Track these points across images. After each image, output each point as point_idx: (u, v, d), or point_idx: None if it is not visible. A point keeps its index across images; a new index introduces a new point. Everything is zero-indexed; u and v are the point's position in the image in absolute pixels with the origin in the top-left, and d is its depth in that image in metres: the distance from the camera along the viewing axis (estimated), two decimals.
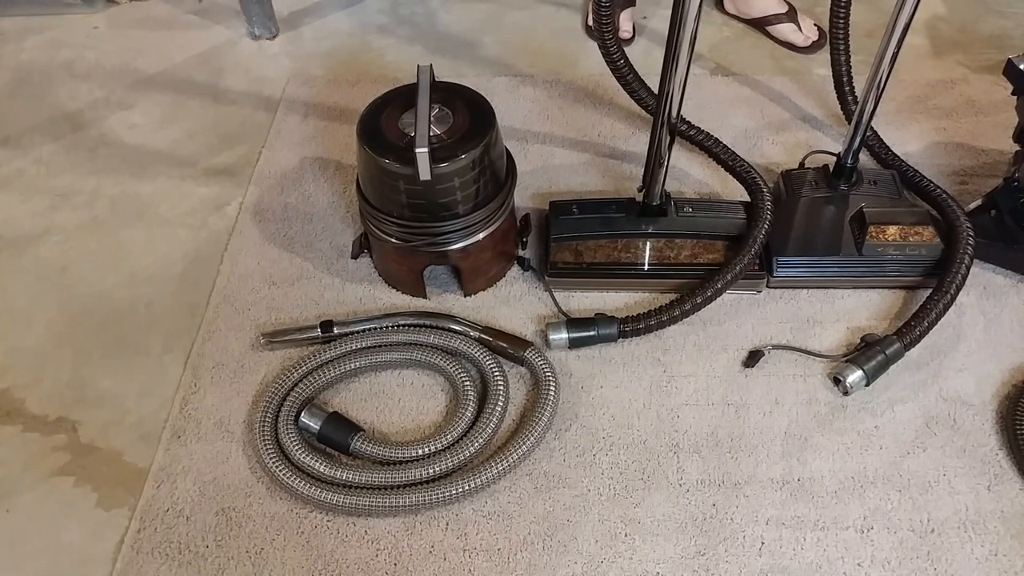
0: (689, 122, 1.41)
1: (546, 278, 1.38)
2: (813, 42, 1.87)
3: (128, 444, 1.22)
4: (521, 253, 1.43)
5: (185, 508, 1.15)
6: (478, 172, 1.23)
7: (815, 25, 1.90)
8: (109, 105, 1.79)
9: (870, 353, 1.24)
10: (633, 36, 1.92)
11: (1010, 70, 1.28)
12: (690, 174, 1.58)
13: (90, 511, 1.16)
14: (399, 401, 1.26)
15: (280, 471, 1.13)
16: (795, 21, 1.88)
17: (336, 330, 1.30)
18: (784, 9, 1.89)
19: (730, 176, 1.42)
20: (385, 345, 1.28)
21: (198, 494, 1.16)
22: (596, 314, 1.32)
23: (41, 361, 1.33)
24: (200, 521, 1.13)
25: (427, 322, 1.31)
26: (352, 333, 1.29)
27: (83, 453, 1.22)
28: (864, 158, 1.50)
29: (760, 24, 1.92)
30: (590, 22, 1.93)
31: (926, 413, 1.23)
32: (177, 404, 1.26)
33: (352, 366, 1.26)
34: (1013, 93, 1.31)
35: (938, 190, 1.42)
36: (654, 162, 1.30)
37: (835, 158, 1.42)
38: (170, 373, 1.30)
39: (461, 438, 1.18)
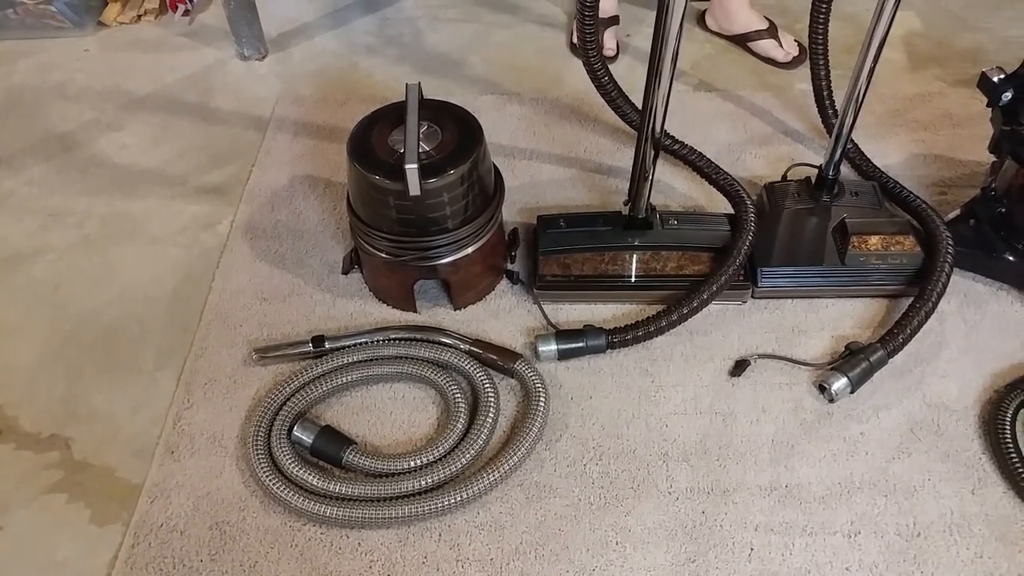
0: (673, 137, 1.43)
1: (535, 291, 1.40)
2: (794, 58, 1.90)
3: (121, 460, 1.23)
4: (510, 267, 1.45)
5: (179, 523, 1.15)
6: (467, 187, 1.24)
7: (795, 41, 1.93)
8: (100, 126, 1.80)
9: (854, 361, 1.26)
10: (617, 53, 1.95)
11: (984, 83, 1.31)
12: (675, 188, 1.60)
13: (84, 527, 1.16)
14: (391, 414, 1.27)
15: (274, 485, 1.14)
16: (776, 37, 1.91)
17: (327, 345, 1.31)
18: (765, 26, 1.93)
19: (714, 189, 1.45)
20: (376, 359, 1.29)
21: (192, 509, 1.16)
22: (585, 326, 1.33)
23: (34, 379, 1.34)
24: (194, 536, 1.14)
25: (418, 336, 1.32)
26: (343, 347, 1.30)
27: (76, 470, 1.22)
28: (845, 170, 1.53)
29: (741, 40, 1.95)
30: (575, 40, 1.96)
31: (910, 419, 1.25)
32: (170, 420, 1.26)
33: (344, 380, 1.27)
34: (988, 105, 1.34)
35: (918, 200, 1.45)
36: (639, 176, 1.32)
37: (817, 170, 1.45)
38: (163, 389, 1.31)
39: (452, 450, 1.19)
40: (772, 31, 1.92)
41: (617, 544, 1.13)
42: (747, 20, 1.93)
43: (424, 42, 2.04)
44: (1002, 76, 1.30)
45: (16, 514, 1.18)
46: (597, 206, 1.58)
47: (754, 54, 1.94)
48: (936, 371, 1.30)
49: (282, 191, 1.62)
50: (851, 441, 1.23)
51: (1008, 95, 1.30)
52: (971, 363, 1.31)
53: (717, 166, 1.43)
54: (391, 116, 1.29)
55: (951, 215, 1.45)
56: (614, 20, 1.97)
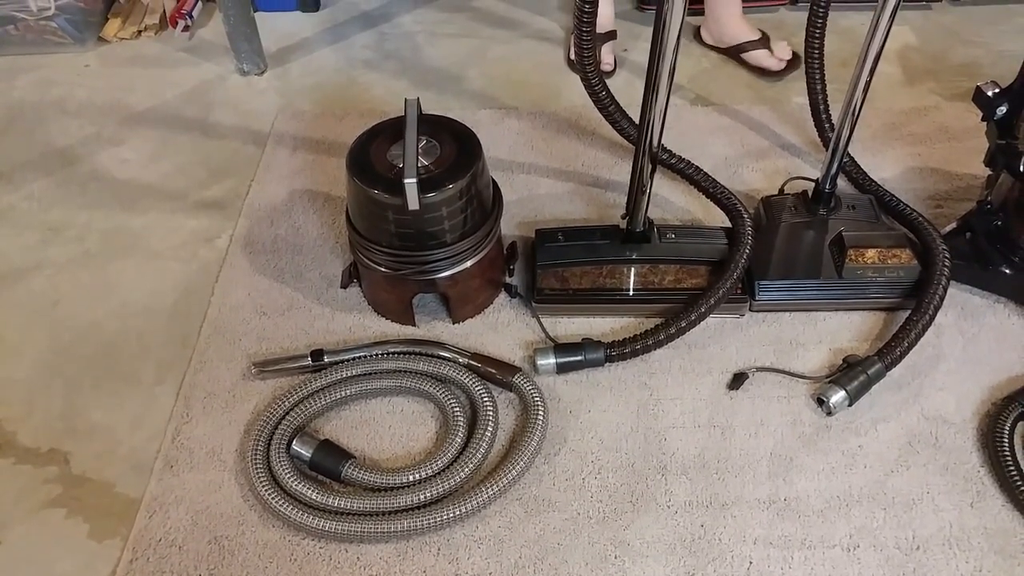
0: (670, 151, 1.44)
1: (533, 304, 1.40)
2: (787, 63, 1.92)
3: (120, 475, 1.23)
4: (508, 280, 1.45)
5: (178, 538, 1.15)
6: (465, 202, 1.25)
7: (789, 47, 1.94)
8: (100, 141, 1.81)
9: (852, 374, 1.26)
10: (614, 68, 1.96)
11: (979, 97, 1.32)
12: (672, 201, 1.61)
13: (82, 542, 1.16)
14: (390, 428, 1.27)
15: (272, 499, 1.14)
16: (767, 47, 1.93)
17: (327, 359, 1.31)
18: (757, 36, 1.94)
19: (712, 203, 1.45)
20: (375, 373, 1.29)
21: (191, 523, 1.16)
22: (583, 339, 1.33)
23: (33, 393, 1.34)
24: (193, 550, 1.14)
25: (416, 349, 1.32)
26: (342, 361, 1.31)
27: (75, 484, 1.22)
28: (842, 184, 1.54)
29: (735, 52, 1.96)
30: (572, 56, 1.97)
31: (908, 432, 1.25)
32: (169, 434, 1.26)
33: (343, 394, 1.27)
34: (983, 119, 1.35)
35: (914, 214, 1.46)
36: (637, 190, 1.33)
37: (814, 184, 1.46)
38: (162, 403, 1.31)
39: (451, 464, 1.19)
40: (764, 41, 1.93)
41: (616, 558, 1.13)
42: (739, 31, 1.94)
43: (422, 57, 2.05)
44: (996, 90, 1.30)
45: (14, 529, 1.18)
46: (595, 220, 1.58)
47: (747, 65, 1.95)
48: (934, 384, 1.30)
49: (281, 205, 1.63)
50: (849, 454, 1.23)
51: (1003, 109, 1.31)
52: (969, 376, 1.31)
53: (714, 180, 1.44)
54: (390, 131, 1.30)
55: (947, 228, 1.45)
56: (611, 35, 1.98)
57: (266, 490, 1.15)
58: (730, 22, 1.94)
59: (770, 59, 1.92)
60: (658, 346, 1.31)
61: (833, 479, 1.20)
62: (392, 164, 1.25)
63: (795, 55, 1.93)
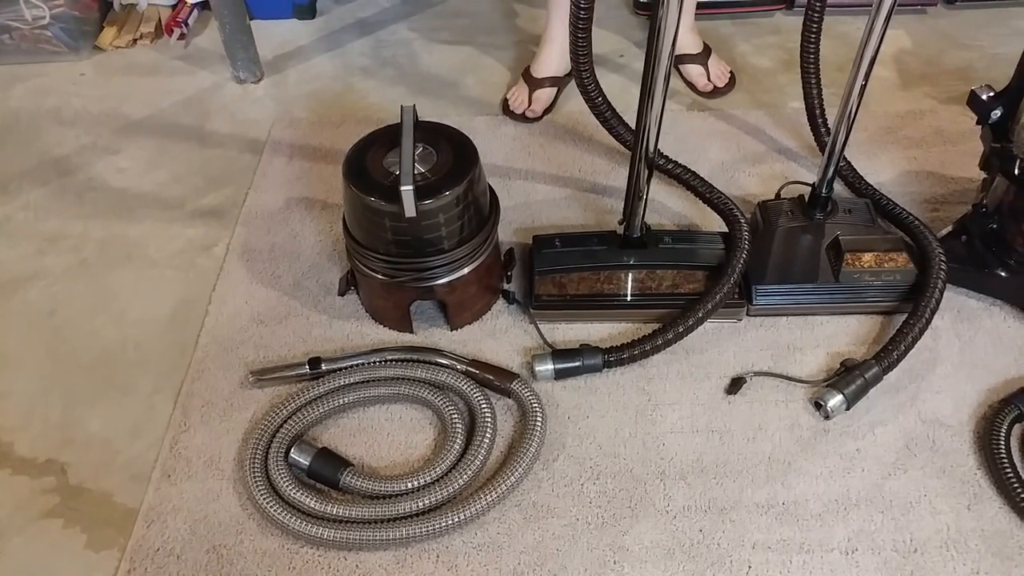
0: (667, 156, 1.44)
1: (531, 310, 1.40)
2: (715, 89, 1.88)
3: (118, 484, 1.23)
4: (506, 287, 1.45)
5: (176, 547, 1.15)
6: (462, 208, 1.25)
7: (727, 71, 1.91)
8: (96, 150, 1.81)
9: (850, 377, 1.27)
10: (540, 117, 1.84)
11: (973, 101, 1.32)
12: (669, 207, 1.61)
13: (80, 552, 1.15)
14: (388, 435, 1.27)
15: (271, 507, 1.14)
16: (704, 64, 1.89)
17: (324, 366, 1.31)
18: (698, 50, 1.90)
19: (708, 208, 1.46)
20: (373, 380, 1.29)
21: (189, 532, 1.16)
22: (581, 345, 1.34)
23: (30, 403, 1.33)
24: (191, 560, 1.13)
25: (414, 356, 1.32)
26: (340, 369, 1.31)
27: (73, 495, 1.22)
28: (839, 188, 1.54)
29: (674, 62, 1.92)
30: (508, 96, 1.88)
31: (906, 435, 1.25)
32: (167, 443, 1.26)
33: (341, 402, 1.27)
34: (978, 123, 1.35)
35: (911, 217, 1.46)
36: (633, 196, 1.33)
37: (810, 188, 1.46)
38: (160, 413, 1.31)
39: (450, 471, 1.18)
40: (702, 57, 1.89)
41: (615, 564, 1.12)
42: (682, 42, 1.86)
43: (419, 64, 2.05)
44: (991, 94, 1.31)
45: (11, 540, 1.17)
46: (592, 225, 1.58)
47: (681, 77, 1.92)
48: (931, 387, 1.31)
49: (278, 213, 1.63)
50: (847, 458, 1.23)
51: (997, 113, 1.31)
52: (965, 379, 1.32)
53: (711, 185, 1.44)
54: (386, 138, 1.30)
55: (944, 231, 1.46)
56: (561, 81, 1.87)
57: (264, 498, 1.15)
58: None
59: (702, 78, 1.88)
60: (656, 351, 1.32)
61: (831, 483, 1.20)
62: (389, 171, 1.25)
63: (732, 79, 1.90)
